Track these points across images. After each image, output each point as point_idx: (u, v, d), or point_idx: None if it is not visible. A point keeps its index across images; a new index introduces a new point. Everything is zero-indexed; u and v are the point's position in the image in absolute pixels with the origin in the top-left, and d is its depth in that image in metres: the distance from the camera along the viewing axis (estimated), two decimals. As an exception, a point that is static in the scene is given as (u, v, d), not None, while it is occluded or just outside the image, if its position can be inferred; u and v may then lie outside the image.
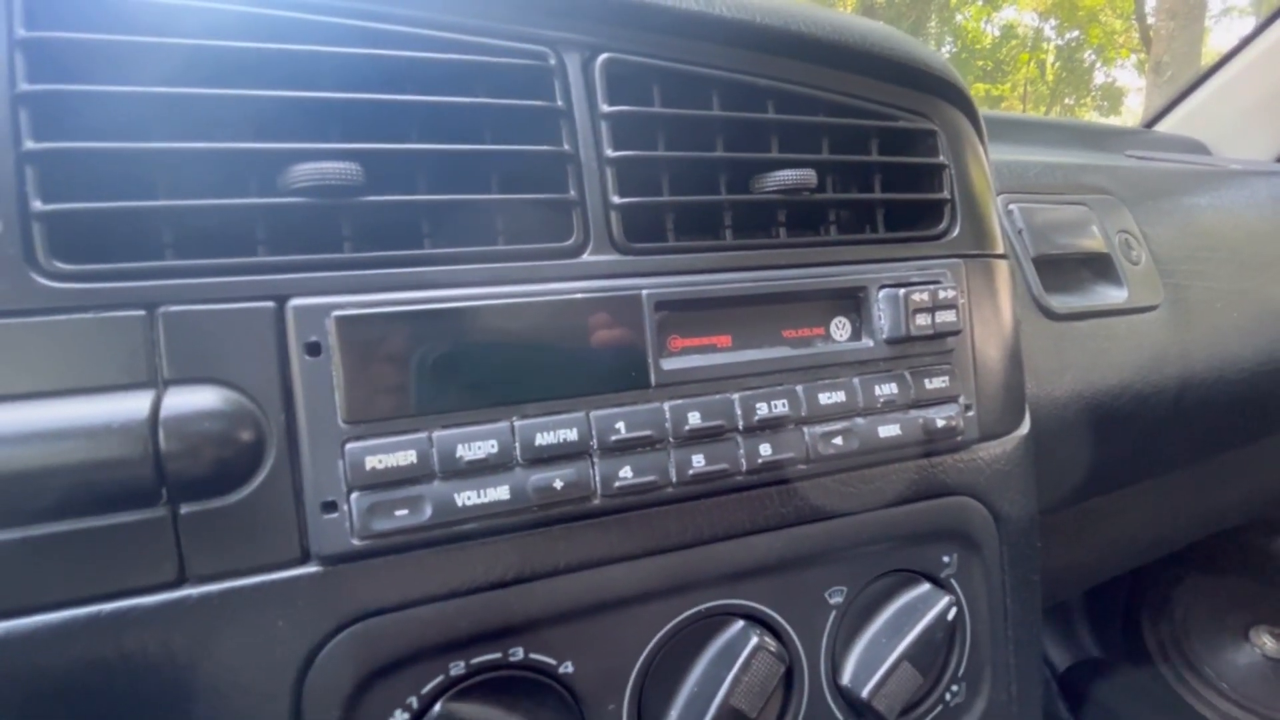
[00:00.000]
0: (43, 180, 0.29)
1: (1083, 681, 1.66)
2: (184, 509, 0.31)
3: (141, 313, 0.30)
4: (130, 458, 0.29)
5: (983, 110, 0.52)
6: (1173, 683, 1.51)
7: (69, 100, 0.30)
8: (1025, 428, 0.50)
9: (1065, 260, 0.66)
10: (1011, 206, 0.64)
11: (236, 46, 0.32)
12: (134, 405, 0.30)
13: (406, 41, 0.35)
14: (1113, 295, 0.67)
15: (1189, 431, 0.77)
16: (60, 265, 0.30)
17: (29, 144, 0.29)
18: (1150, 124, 1.33)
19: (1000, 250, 0.49)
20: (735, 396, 0.38)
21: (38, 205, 0.29)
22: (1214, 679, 1.46)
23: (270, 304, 0.32)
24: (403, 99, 0.35)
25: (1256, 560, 1.37)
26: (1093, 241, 0.67)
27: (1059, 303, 0.63)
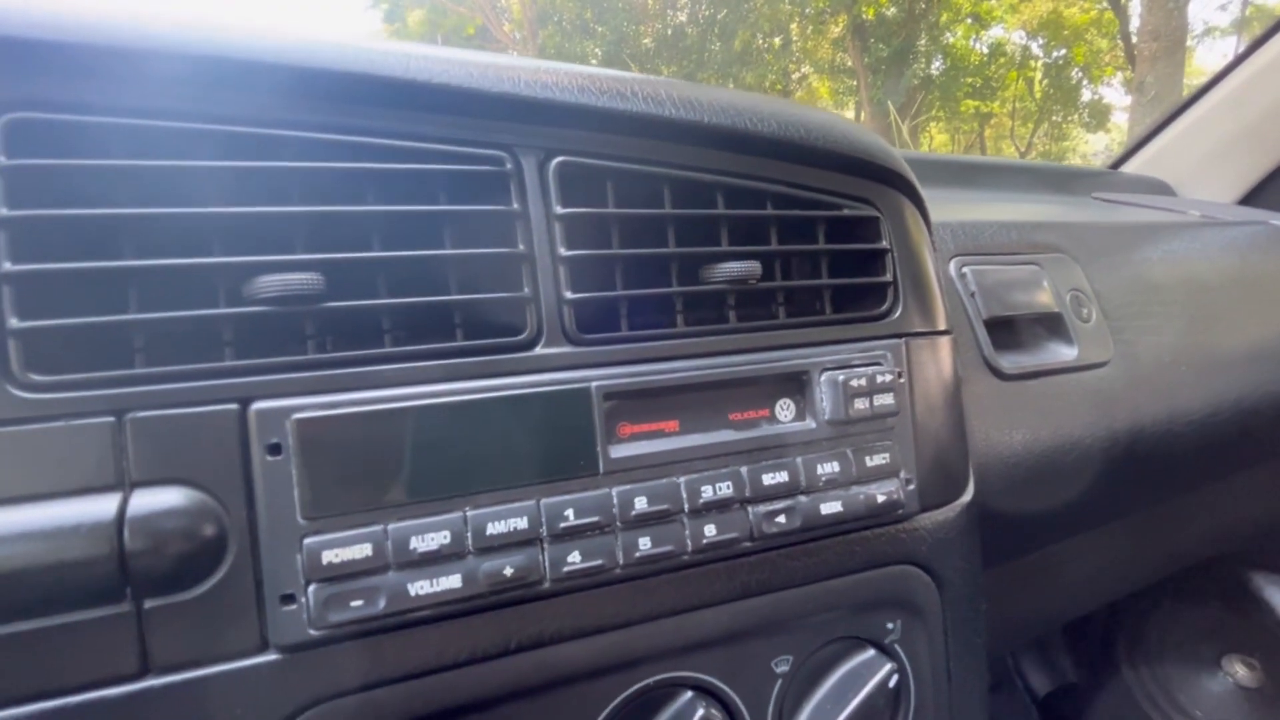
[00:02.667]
0: (19, 299, 0.31)
1: (1062, 707, 1.67)
2: (148, 604, 0.33)
3: (110, 419, 0.32)
4: (96, 557, 0.31)
5: (953, 155, 0.54)
6: (1148, 709, 1.53)
7: (44, 222, 0.32)
8: (968, 495, 0.52)
9: (1017, 319, 0.69)
10: (965, 269, 0.67)
11: (204, 166, 0.34)
12: (101, 507, 0.31)
13: (369, 153, 0.37)
14: (1063, 353, 0.70)
15: (1142, 480, 0.80)
16: (34, 377, 0.32)
17: (6, 266, 0.31)
18: (1117, 164, 1.38)
19: (942, 327, 0.52)
20: (681, 480, 0.41)
21: (14, 323, 0.31)
22: (1188, 706, 1.48)
23: (234, 406, 0.34)
24: (364, 210, 0.37)
25: (1228, 591, 1.40)
26: (1044, 299, 0.70)
27: (1009, 362, 0.66)
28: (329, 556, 0.34)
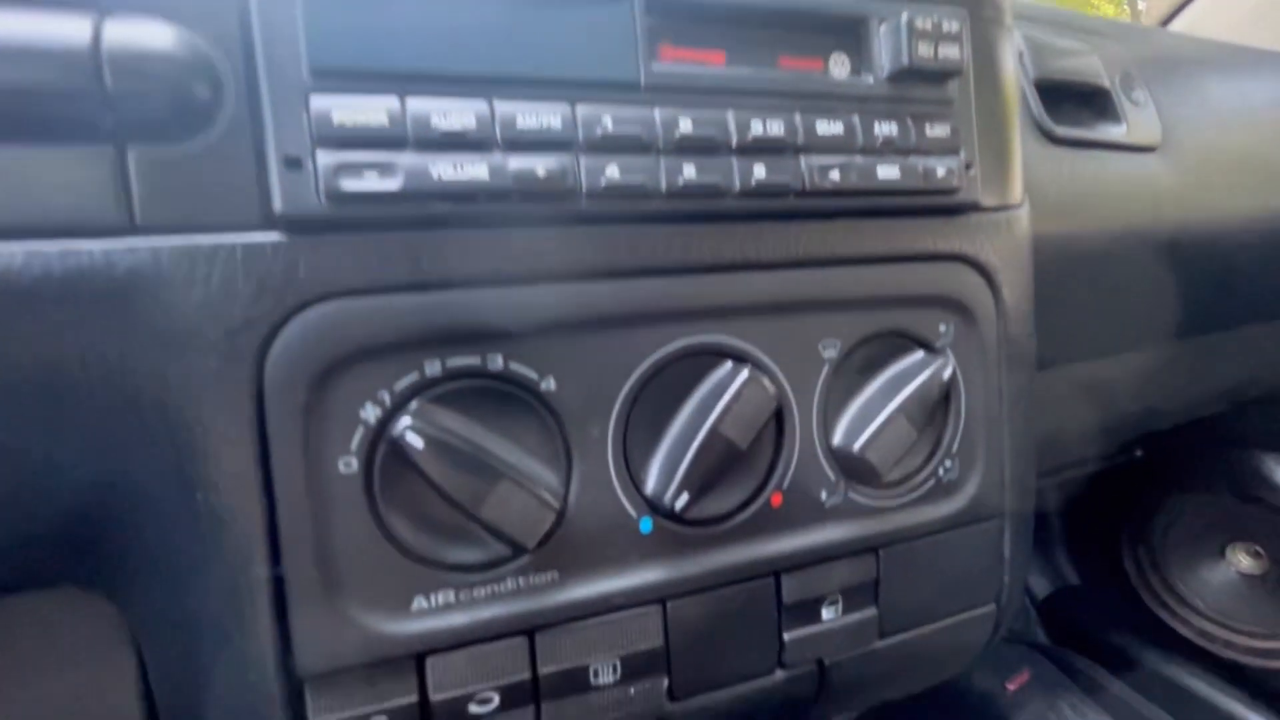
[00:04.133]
0: None
1: (1061, 608, 1.68)
2: (132, 150, 0.28)
3: None
4: (72, 84, 0.27)
5: None
6: (1150, 604, 1.54)
7: None
8: (1025, 208, 0.48)
9: (1066, 92, 0.64)
10: (1015, 31, 0.62)
11: None
12: (73, 28, 0.27)
13: None
14: (1112, 130, 0.66)
15: (1185, 292, 0.77)
16: None
17: None
18: (1165, 22, 1.31)
19: (1007, 21, 0.47)
20: (729, 112, 0.36)
21: None
22: (1190, 597, 1.48)
23: None
24: None
25: (1235, 477, 1.39)
26: (1094, 75, 0.65)
27: (1060, 128, 0.61)
28: (340, 117, 0.30)
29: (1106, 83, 0.66)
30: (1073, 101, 0.66)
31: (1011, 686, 1.41)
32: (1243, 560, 1.45)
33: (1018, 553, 0.49)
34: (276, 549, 0.31)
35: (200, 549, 0.31)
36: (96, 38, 0.27)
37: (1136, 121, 0.66)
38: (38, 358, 0.28)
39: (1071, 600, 1.70)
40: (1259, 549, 1.42)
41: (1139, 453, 1.41)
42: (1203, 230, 0.71)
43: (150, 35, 0.28)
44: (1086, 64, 0.65)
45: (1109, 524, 1.66)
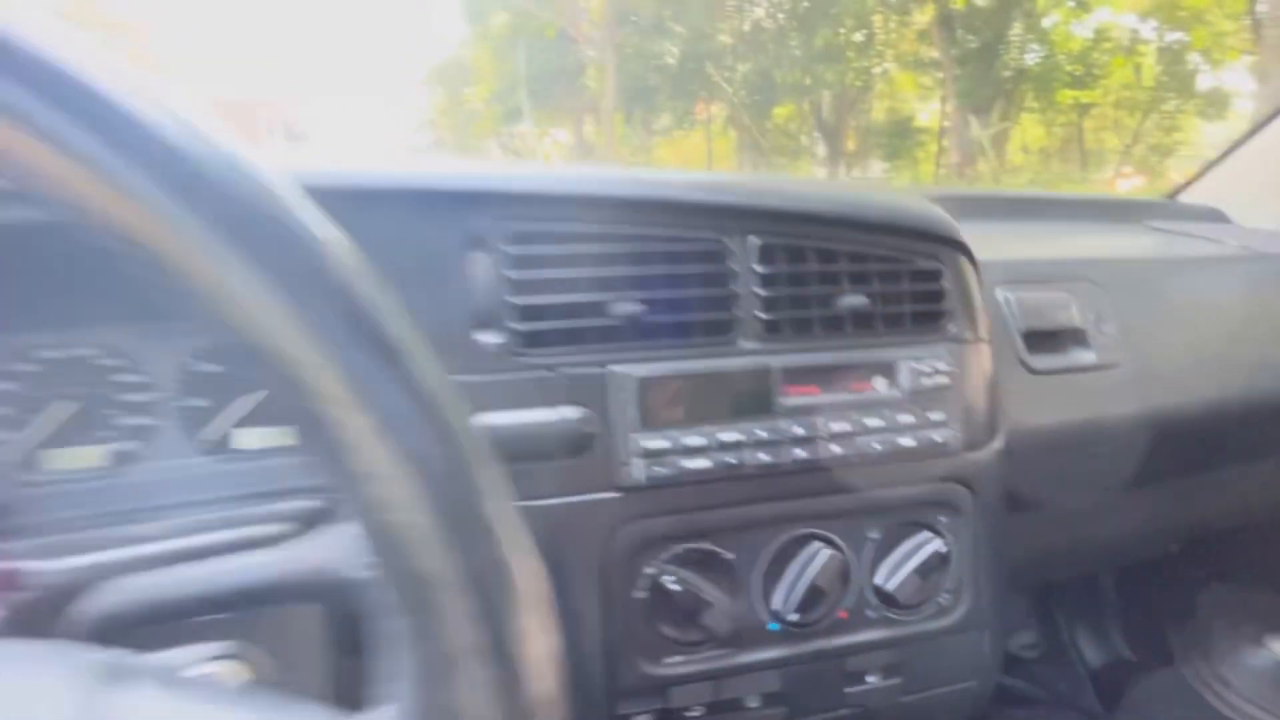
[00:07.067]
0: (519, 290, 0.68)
1: (1115, 680, 1.86)
2: None
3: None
4: None
5: (1011, 191, 0.78)
6: (1195, 685, 1.69)
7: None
8: (997, 444, 0.81)
9: (1046, 332, 0.96)
10: (1008, 295, 0.95)
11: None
12: None
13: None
14: (1085, 357, 0.96)
15: (1152, 457, 1.04)
16: None
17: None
18: (1175, 194, 1.56)
19: (984, 337, 0.81)
20: (820, 419, 0.73)
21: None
22: (1232, 679, 1.63)
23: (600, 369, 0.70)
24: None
25: (1275, 571, 1.55)
26: (1070, 317, 0.96)
27: (1039, 362, 0.93)
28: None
29: (1081, 324, 0.97)
30: (1052, 340, 0.97)
31: (1059, 752, 1.61)
32: (1280, 649, 1.59)
33: (994, 650, 0.81)
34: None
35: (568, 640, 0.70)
36: None
37: (1104, 347, 0.97)
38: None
39: (1125, 674, 1.86)
40: (1296, 639, 1.56)
41: (1174, 548, 1.61)
42: (1167, 415, 0.99)
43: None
44: (1066, 315, 0.96)
45: (1158, 604, 1.82)
